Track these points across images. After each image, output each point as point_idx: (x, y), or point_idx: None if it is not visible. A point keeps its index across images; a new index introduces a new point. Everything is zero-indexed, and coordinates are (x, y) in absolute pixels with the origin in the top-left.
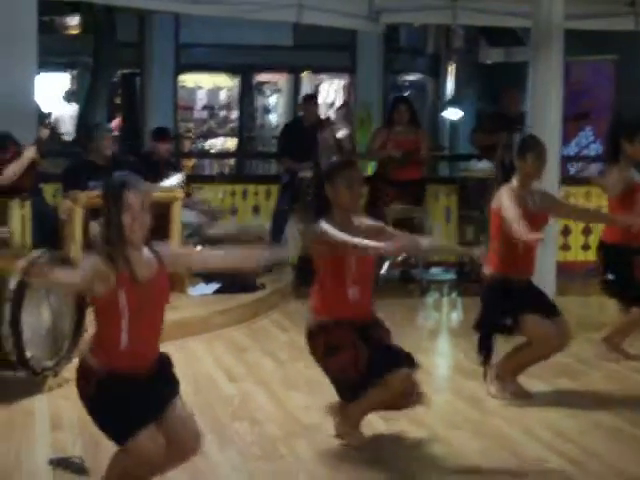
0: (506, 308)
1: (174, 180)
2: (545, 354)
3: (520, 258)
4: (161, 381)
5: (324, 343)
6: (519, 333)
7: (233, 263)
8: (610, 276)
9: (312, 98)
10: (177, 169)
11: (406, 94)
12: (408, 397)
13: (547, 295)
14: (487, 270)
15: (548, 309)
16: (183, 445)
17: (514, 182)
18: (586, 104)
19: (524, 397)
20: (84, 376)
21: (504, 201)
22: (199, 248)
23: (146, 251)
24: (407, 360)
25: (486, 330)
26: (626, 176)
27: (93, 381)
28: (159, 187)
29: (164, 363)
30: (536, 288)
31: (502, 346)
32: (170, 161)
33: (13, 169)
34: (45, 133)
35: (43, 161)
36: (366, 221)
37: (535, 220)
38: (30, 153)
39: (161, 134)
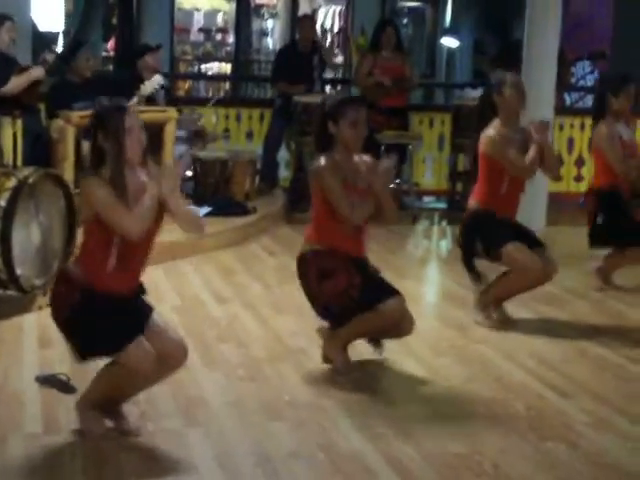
0: (488, 235)
1: (154, 82)
2: (528, 284)
3: (503, 198)
4: (138, 301)
5: (317, 268)
6: (501, 262)
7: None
8: (600, 220)
9: (309, 18)
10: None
11: (404, 21)
12: (398, 326)
13: (531, 230)
14: (471, 203)
15: (532, 241)
16: (170, 355)
17: (496, 121)
18: (584, 35)
19: (509, 324)
20: (66, 282)
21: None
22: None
23: (143, 174)
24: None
25: (468, 257)
26: (614, 131)
27: (77, 289)
28: (141, 96)
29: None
30: (519, 224)
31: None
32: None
33: (17, 82)
34: (51, 57)
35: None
36: (366, 159)
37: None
38: (37, 72)
39: (145, 47)
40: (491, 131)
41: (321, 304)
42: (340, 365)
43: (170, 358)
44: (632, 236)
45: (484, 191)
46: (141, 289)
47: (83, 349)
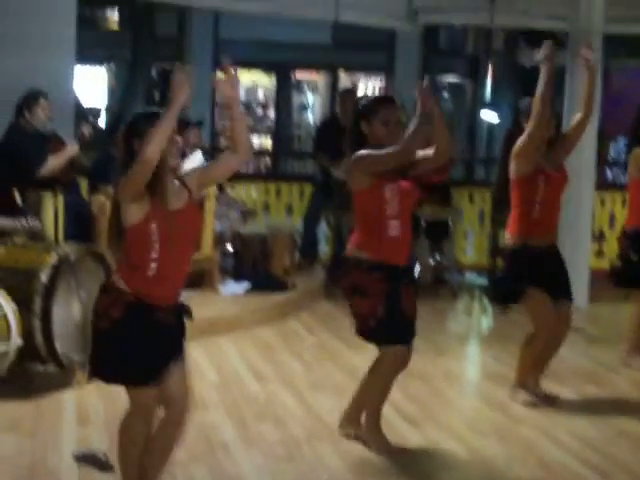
0: (519, 277)
1: (195, 160)
2: (547, 342)
3: (538, 223)
4: (178, 332)
5: (353, 281)
6: (523, 304)
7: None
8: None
9: (350, 92)
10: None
11: (445, 95)
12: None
13: (565, 272)
14: (508, 238)
15: (560, 290)
16: (175, 406)
17: None
18: (622, 112)
19: (549, 402)
20: (111, 294)
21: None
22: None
23: (176, 181)
24: (411, 335)
25: (501, 298)
26: None
27: (120, 303)
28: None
29: (183, 311)
30: (557, 260)
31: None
32: (202, 148)
33: (53, 162)
34: (88, 130)
35: (84, 158)
36: None
37: (553, 180)
38: (72, 150)
39: (187, 123)
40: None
41: (351, 313)
42: (378, 446)
43: (174, 409)
44: None
45: (518, 218)
46: (186, 310)
47: (102, 368)
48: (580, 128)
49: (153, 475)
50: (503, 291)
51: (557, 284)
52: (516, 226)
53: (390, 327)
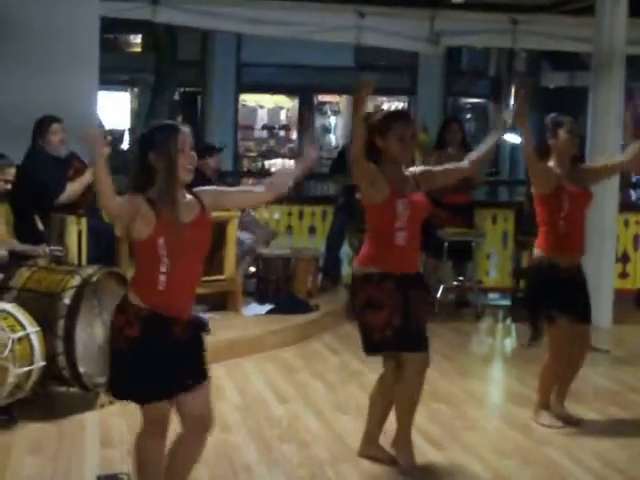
0: (544, 299)
1: None
2: (566, 363)
3: (564, 238)
4: (194, 348)
5: (366, 296)
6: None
7: (266, 197)
8: None
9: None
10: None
11: (467, 117)
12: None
13: (587, 294)
14: (536, 252)
15: (580, 312)
16: (195, 425)
17: (550, 163)
18: None
19: (573, 424)
20: (127, 312)
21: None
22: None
23: (188, 195)
24: (426, 341)
25: (530, 314)
26: None
27: (137, 321)
28: None
29: (200, 330)
30: (580, 282)
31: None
32: (220, 174)
33: (74, 187)
34: (106, 151)
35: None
36: (415, 171)
37: (578, 199)
38: (92, 176)
39: (209, 149)
40: None
41: (360, 330)
42: (407, 462)
43: (197, 423)
44: None
45: (545, 235)
46: (203, 323)
47: (119, 387)
48: (615, 170)
49: None
50: (528, 308)
51: (577, 304)
52: (544, 242)
53: (407, 334)
